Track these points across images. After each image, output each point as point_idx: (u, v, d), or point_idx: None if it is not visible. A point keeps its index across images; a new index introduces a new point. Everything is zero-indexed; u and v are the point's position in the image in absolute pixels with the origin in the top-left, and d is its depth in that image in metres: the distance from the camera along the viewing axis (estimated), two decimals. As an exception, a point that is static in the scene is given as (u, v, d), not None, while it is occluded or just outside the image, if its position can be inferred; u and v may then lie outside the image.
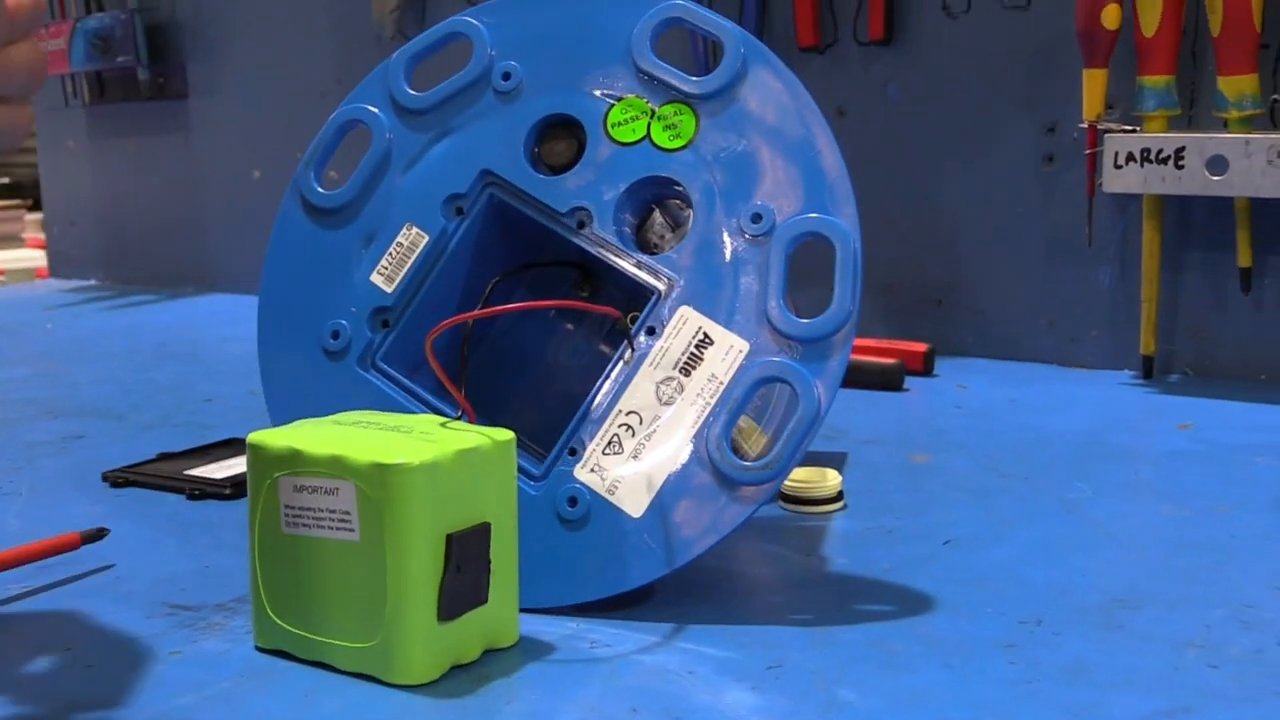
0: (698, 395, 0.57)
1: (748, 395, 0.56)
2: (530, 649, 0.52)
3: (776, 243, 0.58)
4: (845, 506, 0.71)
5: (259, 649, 0.52)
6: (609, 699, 0.48)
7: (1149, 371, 1.04)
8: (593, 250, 0.61)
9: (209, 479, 0.76)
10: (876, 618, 0.55)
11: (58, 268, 1.92)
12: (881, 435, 0.88)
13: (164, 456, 0.82)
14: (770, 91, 0.60)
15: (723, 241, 0.59)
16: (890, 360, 1.03)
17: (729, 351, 0.57)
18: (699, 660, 0.51)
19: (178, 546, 0.66)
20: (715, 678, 0.49)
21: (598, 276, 0.67)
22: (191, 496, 0.75)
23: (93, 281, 1.84)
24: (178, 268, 1.75)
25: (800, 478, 0.71)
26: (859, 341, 1.08)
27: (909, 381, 1.04)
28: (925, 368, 1.07)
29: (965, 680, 0.49)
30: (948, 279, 1.15)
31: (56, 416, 0.98)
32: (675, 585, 0.58)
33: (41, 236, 2.11)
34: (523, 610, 0.53)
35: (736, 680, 0.49)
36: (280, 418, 0.62)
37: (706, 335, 0.58)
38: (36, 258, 2.29)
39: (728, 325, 0.57)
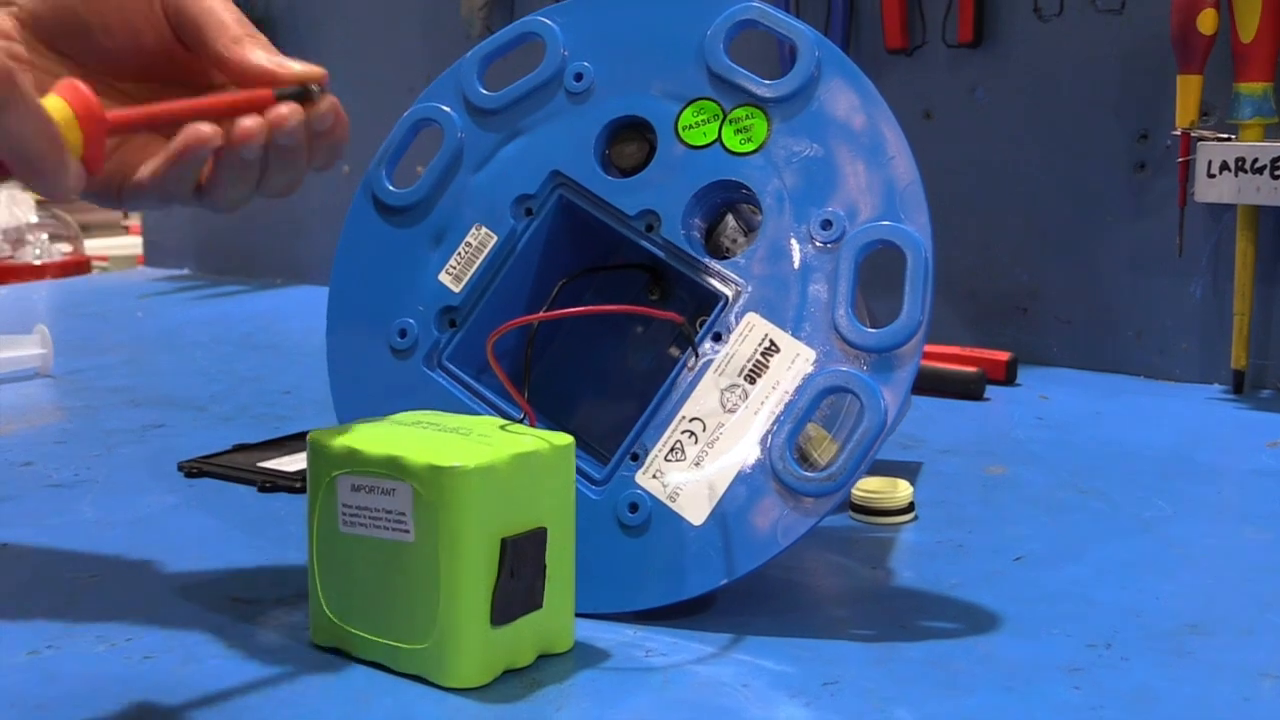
0: (762, 404, 0.56)
1: (813, 405, 0.55)
2: (585, 655, 0.52)
3: (846, 250, 0.57)
4: (916, 518, 0.70)
5: (316, 646, 0.52)
6: (659, 710, 0.47)
7: (1239, 386, 1.01)
8: (660, 254, 0.60)
9: (281, 472, 0.77)
10: (939, 635, 0.54)
11: (152, 256, 1.95)
12: (959, 445, 0.87)
13: (239, 448, 0.83)
14: (844, 96, 0.59)
15: (791, 248, 0.58)
16: (971, 369, 1.02)
17: (795, 360, 0.56)
18: (755, 673, 0.50)
19: (245, 540, 0.66)
20: (769, 692, 0.49)
21: (668, 280, 0.66)
22: (263, 489, 0.75)
23: (185, 271, 1.87)
24: (267, 259, 1.77)
25: (871, 488, 0.70)
26: (940, 349, 1.06)
27: (990, 391, 1.02)
28: (1007, 377, 1.05)
29: (1025, 704, 0.47)
30: (1034, 286, 1.12)
31: (138, 405, 0.99)
32: (737, 594, 0.57)
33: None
34: (581, 615, 0.53)
35: (791, 696, 0.48)
36: (346, 415, 0.63)
37: (773, 343, 0.57)
38: (139, 245, 2.32)
39: (795, 333, 0.57)
